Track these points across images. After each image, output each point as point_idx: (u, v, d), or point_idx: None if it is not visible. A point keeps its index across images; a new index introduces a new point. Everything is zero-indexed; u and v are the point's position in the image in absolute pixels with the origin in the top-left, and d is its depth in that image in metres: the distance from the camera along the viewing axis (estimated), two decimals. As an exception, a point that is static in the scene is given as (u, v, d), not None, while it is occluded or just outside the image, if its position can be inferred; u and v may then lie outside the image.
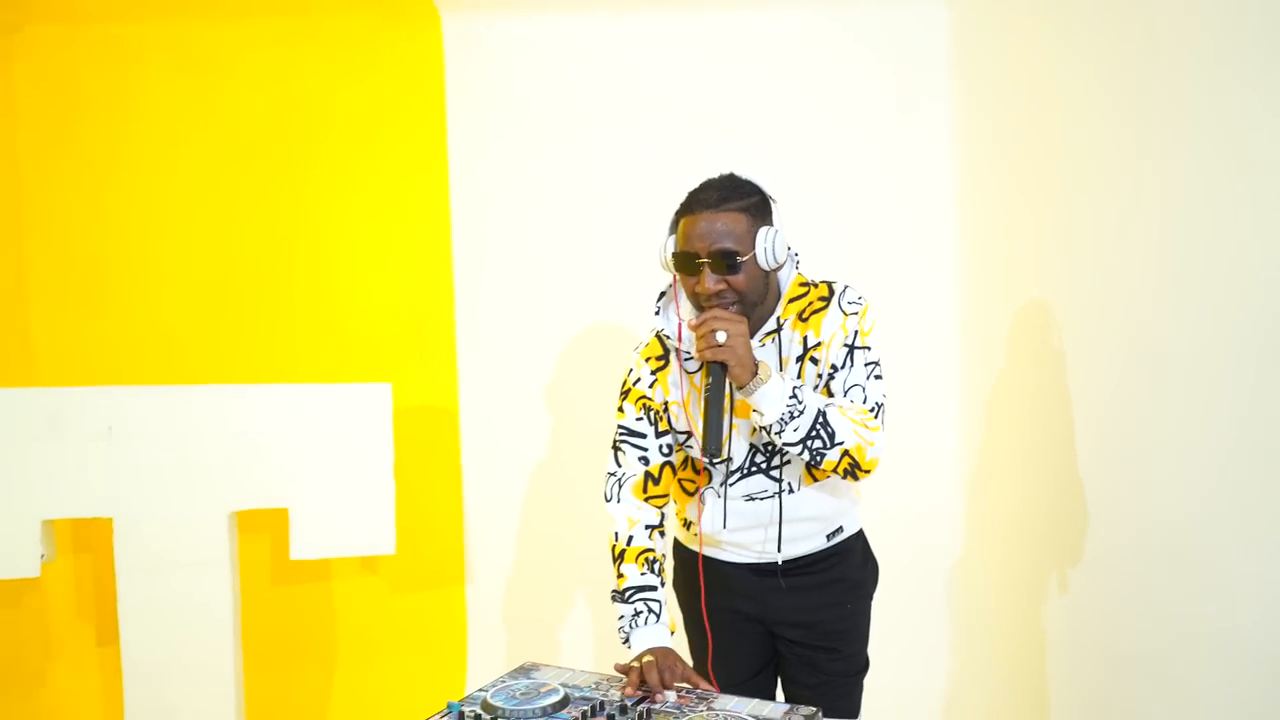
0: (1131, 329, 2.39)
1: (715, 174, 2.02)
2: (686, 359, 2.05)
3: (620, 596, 2.04)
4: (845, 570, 2.16)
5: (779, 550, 2.10)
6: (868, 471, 1.98)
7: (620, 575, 2.06)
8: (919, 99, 3.20)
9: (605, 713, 1.77)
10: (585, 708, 1.79)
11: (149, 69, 3.17)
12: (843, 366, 1.99)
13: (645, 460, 2.12)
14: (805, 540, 2.11)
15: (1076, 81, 2.60)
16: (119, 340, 3.16)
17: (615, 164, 3.22)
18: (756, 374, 1.88)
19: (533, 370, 3.27)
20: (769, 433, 1.93)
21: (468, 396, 3.28)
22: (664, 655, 1.93)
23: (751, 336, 1.95)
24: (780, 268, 1.97)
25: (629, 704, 1.81)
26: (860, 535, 2.22)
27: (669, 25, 3.20)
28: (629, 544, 2.07)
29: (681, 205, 1.97)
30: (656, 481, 2.12)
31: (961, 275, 3.20)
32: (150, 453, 2.75)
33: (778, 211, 1.99)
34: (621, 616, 2.02)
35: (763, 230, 1.92)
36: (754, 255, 1.91)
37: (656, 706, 1.81)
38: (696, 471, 2.14)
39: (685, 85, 3.22)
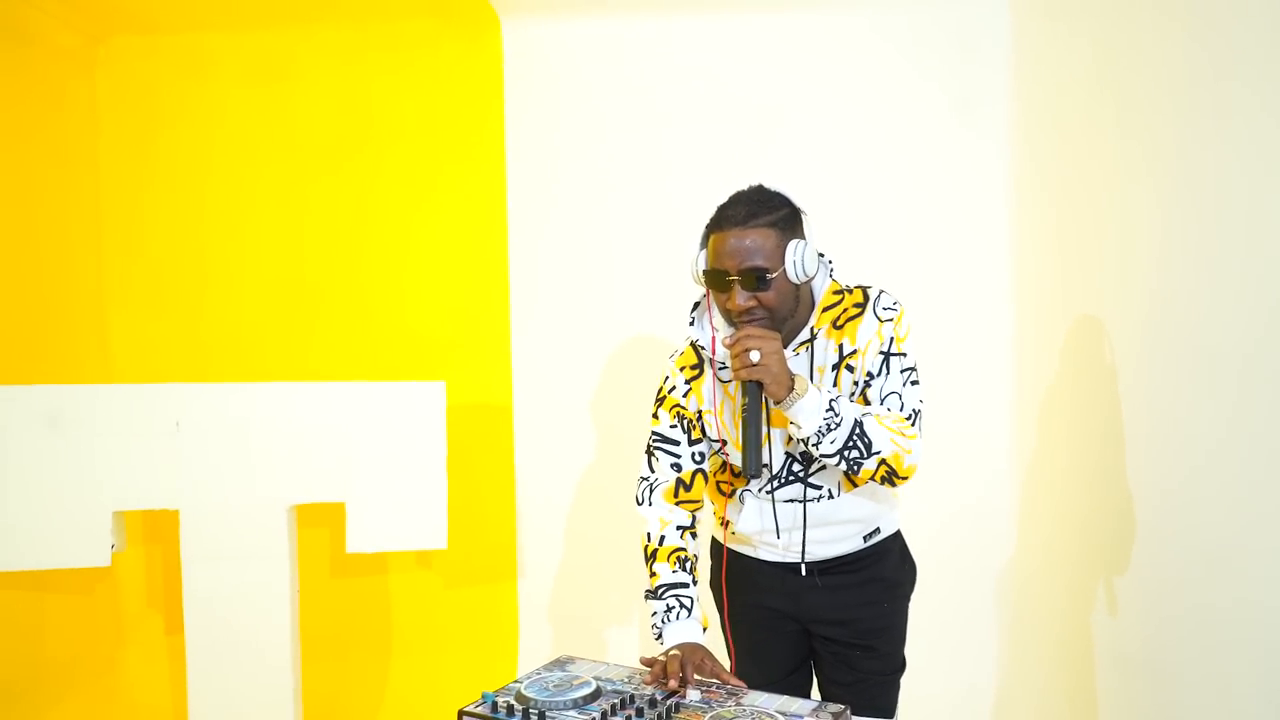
0: (1182, 341, 2.35)
1: (761, 180, 2.02)
2: (721, 369, 2.06)
3: (653, 594, 2.06)
4: (882, 570, 2.16)
5: (802, 556, 2.11)
6: (905, 478, 1.99)
7: (653, 574, 2.08)
8: (977, 100, 3.17)
9: (634, 705, 1.79)
10: (614, 700, 1.82)
11: (222, 77, 3.29)
12: (879, 374, 1.99)
13: (678, 467, 2.14)
14: (842, 542, 2.12)
15: (1133, 86, 2.56)
16: (188, 339, 3.28)
17: (672, 166, 3.24)
18: (793, 389, 1.89)
19: (586, 371, 3.32)
20: (806, 444, 1.94)
21: (522, 396, 3.33)
22: (692, 651, 1.95)
23: (785, 347, 1.96)
24: (811, 279, 1.97)
25: (659, 697, 1.83)
26: (898, 536, 2.22)
27: (726, 27, 3.22)
28: (661, 544, 2.10)
29: (711, 220, 1.98)
30: (688, 488, 2.13)
31: (1016, 281, 3.16)
32: (215, 447, 2.84)
33: (807, 223, 1.99)
34: (654, 613, 2.05)
35: (792, 244, 1.91)
36: (783, 270, 1.91)
37: (685, 701, 1.83)
38: (735, 474, 2.16)
39: (742, 87, 3.24)
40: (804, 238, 1.96)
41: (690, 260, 2.03)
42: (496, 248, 3.32)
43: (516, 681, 1.93)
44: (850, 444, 1.91)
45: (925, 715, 2.96)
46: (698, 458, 2.14)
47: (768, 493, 2.09)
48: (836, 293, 2.03)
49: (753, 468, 1.94)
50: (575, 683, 1.89)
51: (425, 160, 3.31)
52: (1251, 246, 2.09)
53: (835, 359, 2.01)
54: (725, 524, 2.21)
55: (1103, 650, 2.76)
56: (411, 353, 3.30)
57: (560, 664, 2.03)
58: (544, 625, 3.35)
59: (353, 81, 3.30)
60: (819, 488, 2.07)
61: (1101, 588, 2.73)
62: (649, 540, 2.12)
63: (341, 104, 3.30)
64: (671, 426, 2.14)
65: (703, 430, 2.12)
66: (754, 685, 1.92)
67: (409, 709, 3.32)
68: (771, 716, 1.74)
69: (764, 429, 1.97)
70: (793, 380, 1.90)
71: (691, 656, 1.93)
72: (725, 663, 2.15)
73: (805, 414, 1.90)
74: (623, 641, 3.30)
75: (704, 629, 2.04)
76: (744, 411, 1.93)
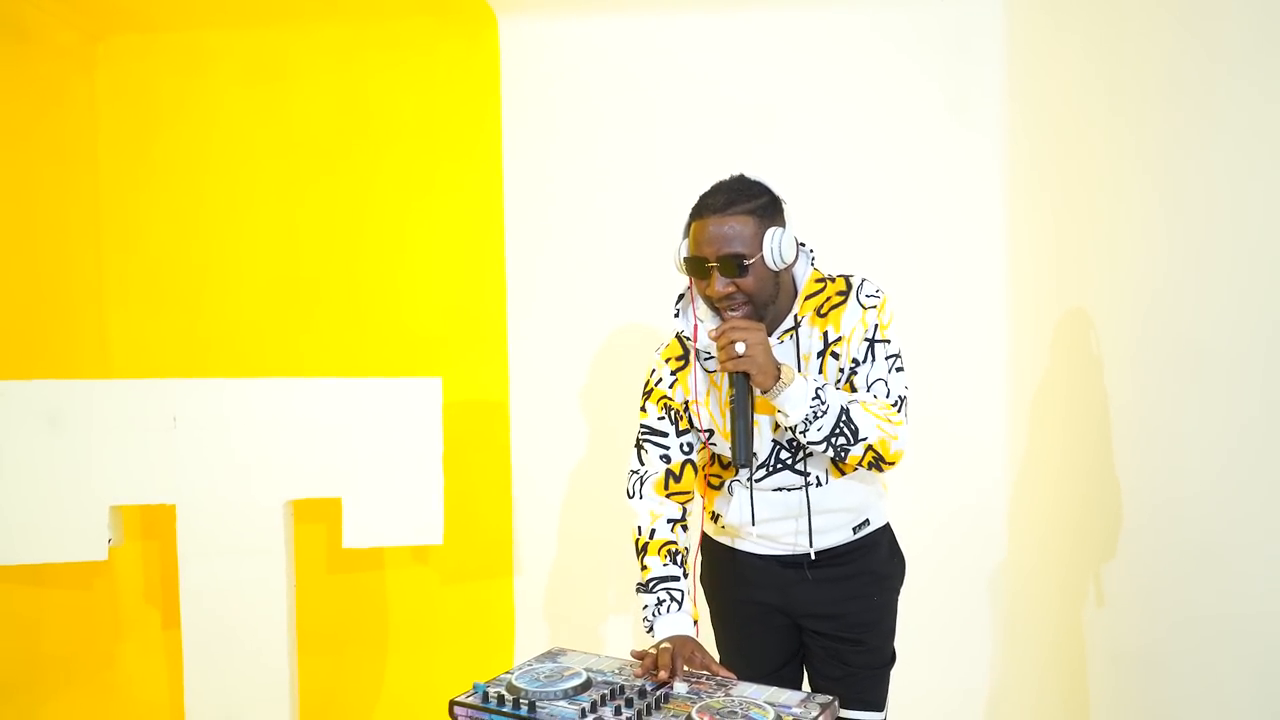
0: (1170, 334, 2.36)
1: (743, 170, 2.04)
2: (706, 359, 2.08)
3: (644, 587, 2.07)
4: (871, 563, 2.17)
5: (810, 544, 2.12)
6: (892, 464, 2.01)
7: (644, 567, 2.10)
8: (972, 97, 3.17)
9: (624, 696, 1.80)
10: (604, 691, 1.83)
11: (219, 75, 3.30)
12: (864, 361, 2.01)
13: (667, 459, 2.15)
14: (832, 533, 2.13)
15: (1127, 82, 2.57)
16: (186, 335, 3.30)
17: (669, 163, 3.25)
18: (780, 378, 1.91)
19: (582, 367, 3.32)
20: (793, 431, 1.96)
21: (518, 392, 3.34)
22: (682, 644, 1.96)
23: (770, 334, 1.98)
24: (789, 267, 1.99)
25: (648, 688, 1.84)
26: (887, 529, 2.23)
27: (723, 25, 3.23)
28: (651, 537, 2.11)
29: (692, 209, 2.00)
30: (678, 479, 2.15)
31: (1010, 276, 3.17)
32: (211, 443, 2.85)
33: (787, 211, 2.01)
34: (645, 606, 2.06)
35: (770, 231, 1.93)
36: (761, 257, 1.93)
37: (674, 691, 1.84)
38: (724, 466, 2.17)
39: (737, 83, 3.24)
40: (784, 225, 1.98)
41: (673, 250, 2.05)
42: (493, 244, 3.33)
43: (508, 672, 1.94)
44: (837, 431, 1.93)
45: (920, 713, 2.97)
46: (686, 449, 2.15)
47: (755, 481, 2.10)
48: (819, 280, 2.05)
49: (742, 457, 1.96)
50: (566, 674, 1.90)
51: (422, 157, 3.32)
52: (1238, 238, 2.10)
53: (820, 346, 2.03)
54: (715, 518, 2.22)
55: (1095, 647, 2.76)
56: (408, 349, 3.31)
57: (552, 656, 2.04)
58: (540, 621, 3.35)
59: (350, 79, 3.31)
60: (806, 474, 2.08)
61: (1094, 585, 2.74)
62: (639, 533, 2.13)
63: (339, 101, 3.31)
64: (659, 418, 2.15)
65: (690, 421, 2.13)
66: (744, 680, 1.93)
67: (405, 704, 3.33)
68: (760, 707, 1.75)
69: (751, 417, 1.98)
70: (779, 369, 1.92)
71: (681, 649, 1.94)
72: (716, 656, 2.16)
73: (792, 403, 1.92)
74: (618, 637, 3.31)
75: (695, 621, 2.05)
76: (731, 402, 1.95)
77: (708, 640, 2.11)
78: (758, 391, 1.95)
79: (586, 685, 1.86)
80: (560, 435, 3.35)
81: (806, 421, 1.92)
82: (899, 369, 2.03)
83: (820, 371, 2.03)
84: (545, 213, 3.32)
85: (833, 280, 2.06)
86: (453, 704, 1.83)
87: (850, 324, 2.01)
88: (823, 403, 1.92)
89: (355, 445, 2.89)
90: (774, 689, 1.85)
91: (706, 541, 2.30)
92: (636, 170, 3.28)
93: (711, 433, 2.12)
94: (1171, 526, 2.36)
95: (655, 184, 3.26)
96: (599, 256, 3.30)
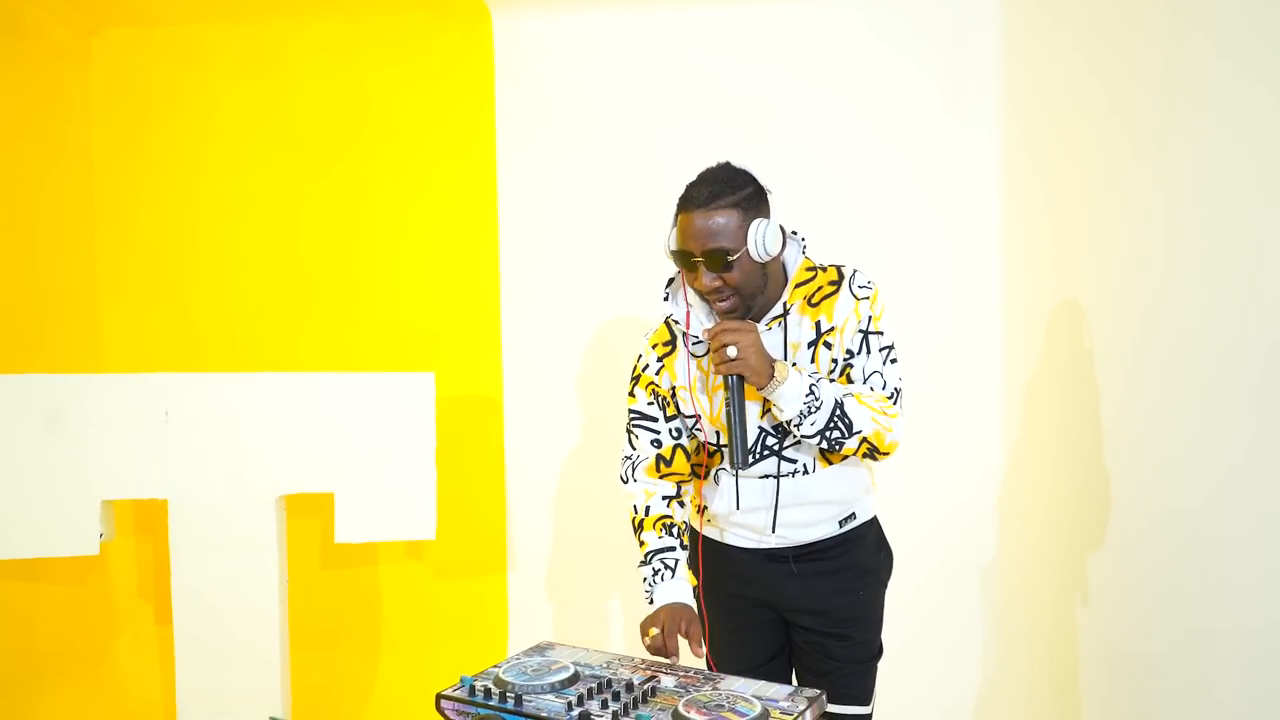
0: (1164, 328, 2.35)
1: (729, 159, 2.05)
2: (694, 344, 2.08)
3: (644, 562, 2.11)
4: (858, 557, 2.17)
5: (773, 531, 2.12)
6: (886, 454, 2.02)
7: (641, 543, 2.13)
8: (968, 92, 3.17)
9: (611, 690, 1.80)
10: (592, 684, 1.82)
11: (214, 70, 3.31)
12: (859, 352, 2.01)
13: (657, 443, 2.16)
14: (817, 526, 2.13)
15: (1121, 77, 2.56)
16: (179, 330, 3.30)
17: (663, 159, 3.23)
18: (774, 376, 1.92)
19: (576, 361, 3.32)
20: (788, 425, 1.96)
21: (512, 388, 3.34)
22: (673, 613, 2.00)
23: (759, 321, 1.99)
24: (775, 258, 1.99)
25: (635, 681, 1.84)
26: (874, 523, 2.22)
27: (717, 20, 3.22)
28: (647, 513, 2.14)
29: (679, 199, 2.00)
30: (669, 463, 2.16)
31: (1006, 271, 3.16)
32: (204, 437, 2.84)
33: (772, 200, 2.00)
34: (644, 579, 2.09)
35: (755, 224, 1.92)
36: (746, 250, 1.93)
37: (660, 685, 1.84)
38: (709, 454, 2.17)
39: (732, 79, 3.24)
40: (768, 216, 1.97)
41: (664, 238, 2.05)
42: (487, 240, 3.32)
43: (495, 666, 1.93)
44: (831, 425, 1.94)
45: (913, 709, 2.96)
46: (675, 433, 2.16)
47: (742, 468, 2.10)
48: (810, 269, 2.05)
49: (739, 460, 1.98)
50: (553, 667, 1.89)
51: (416, 153, 3.32)
52: (1228, 232, 2.09)
53: (812, 336, 2.03)
54: (701, 510, 2.22)
55: (1088, 643, 2.76)
56: (401, 344, 3.31)
57: (540, 650, 2.03)
58: (534, 617, 3.35)
59: (344, 74, 3.31)
60: (794, 461, 2.08)
61: (1087, 581, 2.74)
62: (635, 512, 2.16)
63: (333, 97, 3.31)
64: (648, 404, 2.16)
65: (677, 406, 2.13)
66: (732, 674, 1.92)
67: (397, 700, 3.32)
68: (748, 700, 1.74)
69: (746, 419, 1.99)
70: (773, 367, 1.92)
71: (678, 619, 1.98)
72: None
73: (786, 399, 1.94)
74: (614, 631, 3.30)
75: (693, 586, 2.08)
76: (726, 405, 1.97)
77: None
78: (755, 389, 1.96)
79: (574, 679, 1.85)
80: (554, 431, 3.34)
81: (801, 416, 1.94)
82: (893, 360, 2.04)
83: (812, 361, 2.03)
84: (539, 207, 3.32)
85: (824, 270, 2.06)
86: (439, 698, 1.83)
87: (843, 314, 2.01)
88: (817, 398, 1.93)
89: (348, 440, 2.88)
90: (762, 683, 1.84)
91: (693, 536, 2.29)
92: (630, 165, 3.27)
93: (698, 419, 2.11)
94: (1164, 521, 2.36)
95: (649, 179, 3.25)
96: (593, 252, 3.30)
